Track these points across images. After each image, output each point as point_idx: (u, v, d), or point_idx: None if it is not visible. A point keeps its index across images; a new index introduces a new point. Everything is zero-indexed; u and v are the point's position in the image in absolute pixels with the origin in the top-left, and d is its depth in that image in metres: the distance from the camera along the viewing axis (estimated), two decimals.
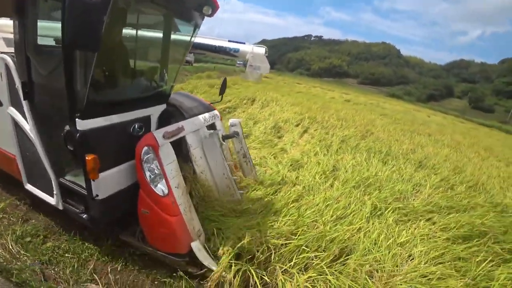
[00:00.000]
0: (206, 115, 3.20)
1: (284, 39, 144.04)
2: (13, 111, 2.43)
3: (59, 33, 1.57)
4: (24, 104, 2.29)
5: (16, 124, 2.45)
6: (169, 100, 2.93)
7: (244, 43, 3.61)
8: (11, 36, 2.26)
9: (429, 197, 4.73)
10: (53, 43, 2.37)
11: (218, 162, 3.11)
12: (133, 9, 2.54)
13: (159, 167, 2.27)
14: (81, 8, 1.39)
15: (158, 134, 2.34)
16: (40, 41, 2.24)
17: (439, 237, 3.38)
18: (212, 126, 3.32)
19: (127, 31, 2.67)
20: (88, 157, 1.93)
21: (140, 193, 2.30)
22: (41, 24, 2.16)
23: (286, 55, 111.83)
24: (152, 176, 2.24)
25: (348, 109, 13.19)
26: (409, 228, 3.40)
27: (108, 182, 2.25)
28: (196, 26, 2.74)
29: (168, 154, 2.40)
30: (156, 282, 2.44)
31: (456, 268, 2.91)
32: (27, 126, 2.35)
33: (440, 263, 2.93)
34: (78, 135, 1.92)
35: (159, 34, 2.77)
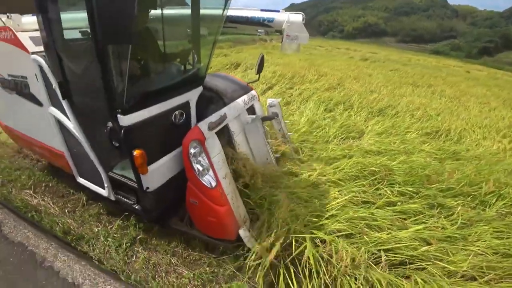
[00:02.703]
0: (245, 97, 3.05)
1: (314, 1, 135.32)
2: (54, 111, 2.40)
3: (84, 24, 1.49)
4: (64, 103, 2.24)
5: (60, 123, 2.44)
6: (205, 83, 2.73)
7: (278, 11, 3.23)
8: (38, 34, 2.12)
9: (366, 142, 4.51)
10: (80, 35, 2.26)
11: (261, 148, 3.07)
12: None
13: (206, 160, 2.28)
14: None
15: (204, 126, 2.34)
16: (67, 35, 2.09)
17: (329, 179, 3.28)
18: (251, 108, 3.19)
19: (153, 12, 2.53)
20: (136, 153, 1.93)
21: (188, 185, 2.33)
22: (65, 16, 1.99)
23: (317, 18, 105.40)
24: (200, 169, 2.24)
25: (346, 66, 12.31)
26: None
27: (157, 174, 2.25)
28: None
29: (214, 145, 2.41)
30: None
31: (320, 209, 2.76)
32: (71, 124, 2.33)
33: (307, 202, 2.85)
34: (122, 131, 1.88)
35: (187, 11, 2.58)
